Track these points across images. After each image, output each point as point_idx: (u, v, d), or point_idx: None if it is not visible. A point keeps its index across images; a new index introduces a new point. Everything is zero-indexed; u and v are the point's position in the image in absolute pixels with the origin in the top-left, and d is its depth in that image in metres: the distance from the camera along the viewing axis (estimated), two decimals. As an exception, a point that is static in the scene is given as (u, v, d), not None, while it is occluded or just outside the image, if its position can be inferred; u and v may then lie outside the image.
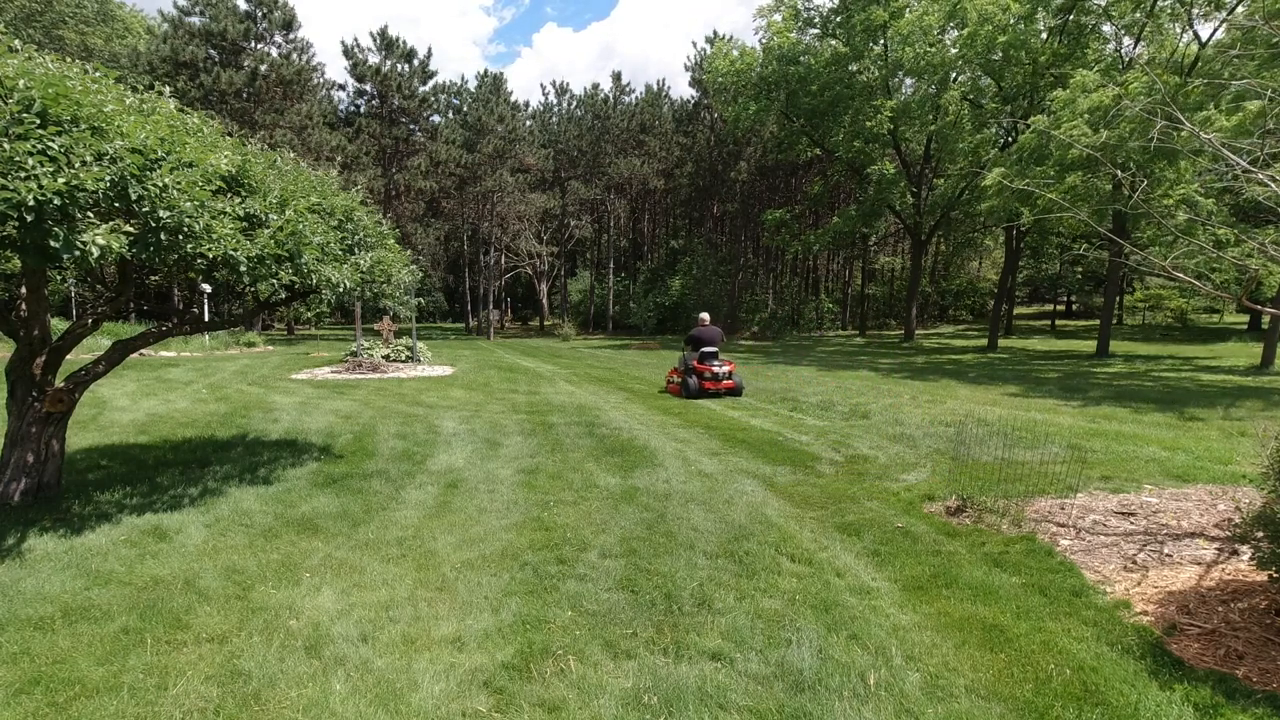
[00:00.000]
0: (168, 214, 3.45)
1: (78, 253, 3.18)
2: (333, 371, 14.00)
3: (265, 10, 29.72)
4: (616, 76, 51.06)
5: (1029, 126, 18.08)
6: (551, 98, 45.92)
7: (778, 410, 9.24)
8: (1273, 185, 3.23)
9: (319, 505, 4.68)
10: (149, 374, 12.32)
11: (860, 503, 4.91)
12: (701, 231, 43.68)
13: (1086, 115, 14.86)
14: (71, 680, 2.51)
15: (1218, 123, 13.68)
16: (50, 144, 3.19)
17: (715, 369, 10.47)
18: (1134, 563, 3.73)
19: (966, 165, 25.40)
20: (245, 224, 4.01)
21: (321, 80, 34.03)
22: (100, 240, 3.21)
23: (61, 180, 3.06)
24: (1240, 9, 17.57)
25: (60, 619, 2.98)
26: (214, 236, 3.66)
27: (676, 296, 41.07)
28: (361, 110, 36.20)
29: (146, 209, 3.45)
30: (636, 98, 42.05)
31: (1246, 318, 33.03)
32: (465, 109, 37.49)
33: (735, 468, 5.98)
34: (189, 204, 3.55)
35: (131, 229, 3.37)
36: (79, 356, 11.42)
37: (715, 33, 44.81)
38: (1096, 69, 19.36)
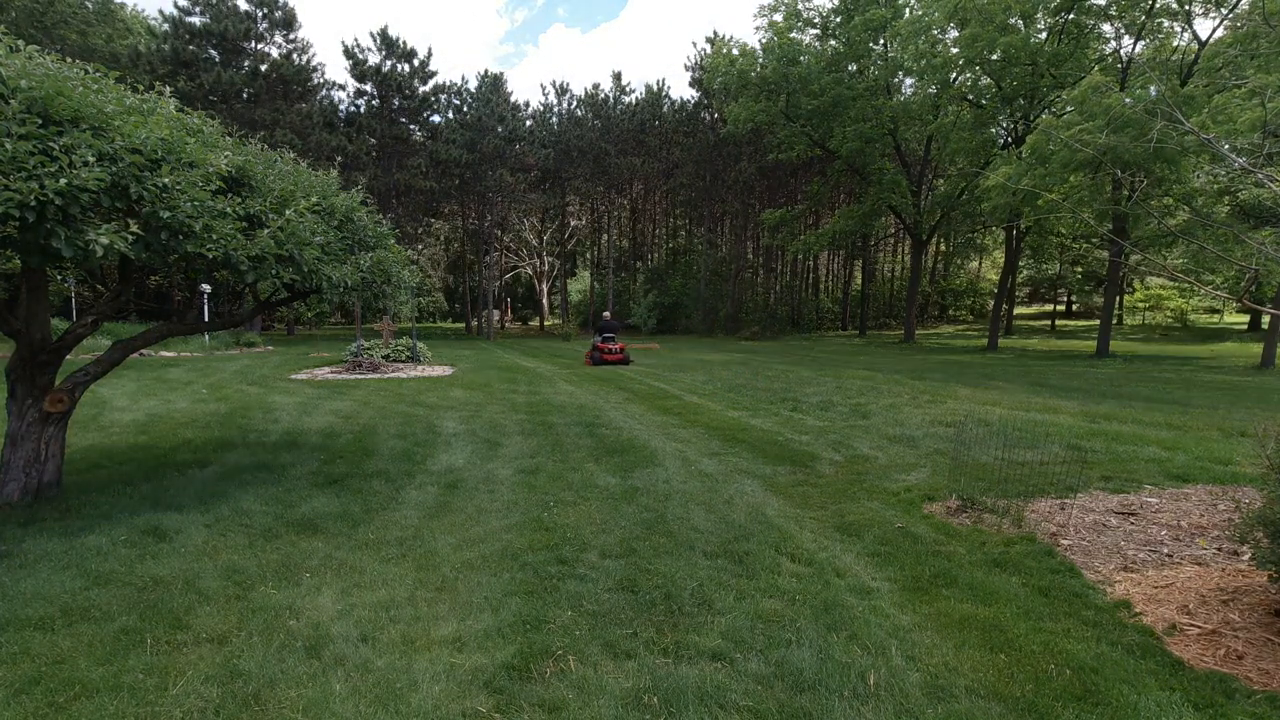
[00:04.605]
0: (168, 214, 3.45)
1: (80, 253, 3.18)
2: (333, 371, 14.01)
3: (265, 10, 29.73)
4: (617, 76, 51.16)
5: (1033, 127, 18.10)
6: (552, 98, 45.94)
7: (778, 410, 9.24)
8: (1272, 185, 3.23)
9: (319, 505, 4.68)
10: (149, 374, 12.33)
11: (860, 503, 4.91)
12: (701, 231, 43.69)
13: (1099, 119, 14.85)
14: (71, 680, 2.51)
15: (1229, 109, 13.64)
16: (52, 144, 3.20)
17: (610, 346, 16.97)
18: (1134, 563, 3.73)
19: (967, 165, 25.42)
20: (245, 224, 4.01)
21: (322, 80, 34.05)
22: (104, 240, 3.21)
23: (63, 181, 3.06)
24: (1242, 5, 17.58)
25: (60, 619, 2.98)
26: (214, 237, 3.66)
27: (676, 296, 41.07)
28: (362, 110, 36.17)
29: (147, 209, 3.45)
30: (637, 98, 42.05)
31: (1246, 318, 33.06)
32: (466, 109, 37.47)
33: (735, 468, 5.98)
34: (189, 204, 3.55)
35: (136, 229, 3.38)
36: (79, 356, 11.43)
37: (715, 33, 44.81)
38: (1097, 69, 19.36)
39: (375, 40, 35.67)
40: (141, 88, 4.36)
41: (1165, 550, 3.89)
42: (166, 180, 3.51)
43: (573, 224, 49.52)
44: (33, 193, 2.99)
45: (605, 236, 47.23)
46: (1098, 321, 25.69)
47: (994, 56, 22.12)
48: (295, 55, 30.98)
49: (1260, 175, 3.30)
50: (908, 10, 26.89)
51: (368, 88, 36.04)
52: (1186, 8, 19.02)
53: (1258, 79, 11.90)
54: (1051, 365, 18.10)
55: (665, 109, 41.96)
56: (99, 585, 3.33)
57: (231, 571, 3.54)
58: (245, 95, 29.20)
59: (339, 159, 31.93)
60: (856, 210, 30.35)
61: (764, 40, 30.81)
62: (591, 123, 40.96)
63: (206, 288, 15.19)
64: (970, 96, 26.17)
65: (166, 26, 29.29)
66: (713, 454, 6.53)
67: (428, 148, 36.20)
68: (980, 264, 51.62)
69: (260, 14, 29.75)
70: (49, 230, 3.12)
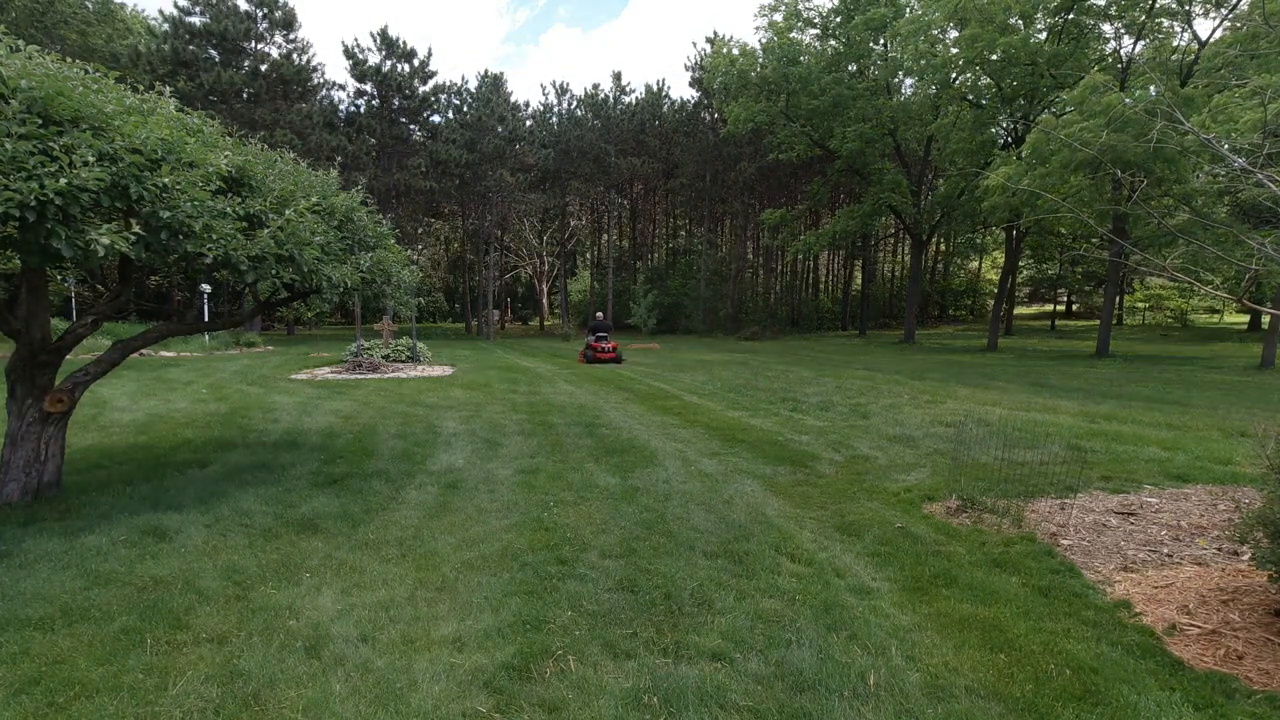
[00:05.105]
0: (168, 214, 3.45)
1: (80, 253, 3.18)
2: (333, 371, 14.01)
3: (265, 10, 29.73)
4: (617, 76, 51.12)
5: (1032, 127, 18.09)
6: (552, 98, 45.95)
7: (778, 410, 9.24)
8: (1271, 185, 3.23)
9: (319, 505, 4.68)
10: (149, 374, 12.33)
11: (860, 503, 4.91)
12: (701, 231, 43.70)
13: (1099, 118, 14.84)
14: (71, 680, 2.51)
15: (1229, 109, 13.65)
16: (52, 144, 3.20)
17: (603, 345, 17.62)
18: (1134, 563, 3.73)
19: (967, 165, 25.43)
20: (245, 224, 4.01)
21: (322, 80, 34.05)
22: (104, 240, 3.21)
23: (64, 180, 3.06)
24: (1242, 5, 17.59)
25: (60, 619, 2.98)
26: (214, 237, 3.66)
27: (676, 296, 41.07)
28: (362, 110, 36.18)
29: (147, 209, 3.45)
30: (637, 98, 42.05)
31: (1246, 318, 33.08)
32: (466, 109, 37.47)
33: (735, 468, 5.98)
34: (189, 204, 3.55)
35: (138, 230, 3.38)
36: (79, 356, 11.43)
37: (715, 33, 44.80)
38: (1097, 69, 19.37)
39: (375, 40, 35.68)
40: (141, 88, 4.36)
41: (1165, 550, 3.89)
42: (166, 180, 3.51)
43: (573, 224, 49.51)
44: (33, 193, 2.99)
45: (605, 236, 47.23)
46: (1098, 321, 25.70)
47: (994, 57, 22.11)
48: (295, 55, 30.97)
49: (1260, 175, 3.30)
50: (908, 10, 26.88)
51: (368, 88, 36.04)
52: (1186, 8, 19.03)
53: (1260, 79, 11.91)
54: (1051, 365, 18.10)
55: (665, 109, 41.95)
56: (99, 585, 3.33)
57: (231, 571, 3.54)
58: (245, 95, 29.18)
59: (339, 159, 31.92)
60: (857, 210, 30.33)
61: (764, 40, 30.82)
62: (591, 123, 40.95)
63: (206, 288, 15.22)
64: (970, 97, 26.16)
65: (166, 26, 29.27)
66: (713, 454, 6.53)
67: (428, 148, 36.20)
68: (980, 264, 51.63)
69: (260, 14, 29.73)
70: (49, 230, 3.12)
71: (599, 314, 19.93)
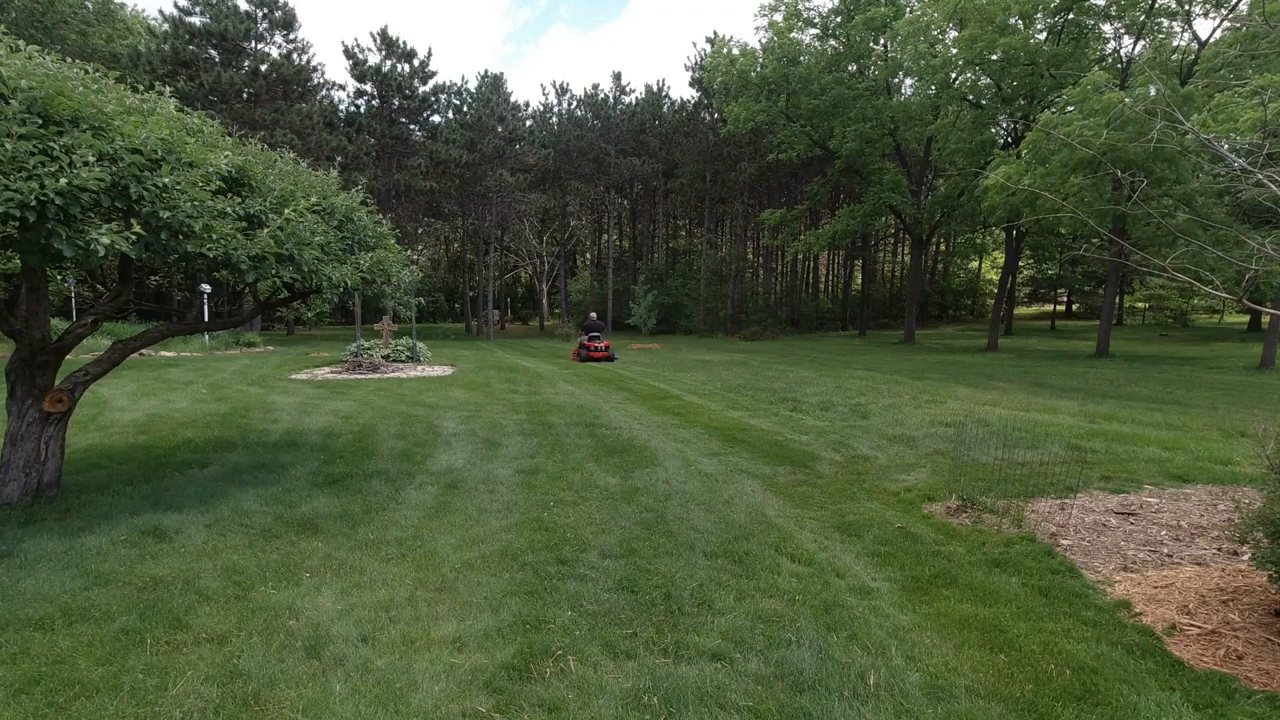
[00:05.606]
0: (168, 214, 3.46)
1: (81, 253, 3.18)
2: (333, 371, 14.00)
3: (265, 10, 29.72)
4: (617, 76, 51.06)
5: (1032, 127, 18.08)
6: (551, 98, 45.94)
7: (778, 410, 9.24)
8: (1271, 185, 3.22)
9: (319, 505, 4.68)
10: (149, 374, 12.33)
11: (860, 503, 4.91)
12: (702, 231, 43.68)
13: (1099, 116, 14.83)
14: (71, 680, 2.51)
15: (1229, 108, 13.66)
16: (52, 144, 3.20)
17: (596, 344, 18.26)
18: (1134, 563, 3.73)
19: (966, 165, 25.40)
20: (245, 224, 4.01)
21: (322, 80, 34.03)
22: (105, 240, 3.21)
23: (64, 180, 3.06)
24: (1242, 6, 17.59)
25: (60, 619, 2.98)
26: (214, 237, 3.66)
27: (676, 296, 41.07)
28: (362, 110, 36.15)
29: (147, 209, 3.46)
30: (637, 98, 42.04)
31: (1246, 318, 33.09)
32: (466, 109, 37.44)
33: (735, 468, 5.98)
34: (189, 204, 3.55)
35: (138, 230, 3.38)
36: (79, 356, 11.43)
37: (715, 33, 44.78)
38: (1098, 69, 19.36)
39: (375, 40, 35.66)
40: (141, 88, 4.36)
41: (1165, 550, 3.89)
42: (166, 180, 3.52)
43: (572, 224, 49.50)
44: (33, 192, 2.99)
45: (605, 236, 47.22)
46: (1098, 321, 25.70)
47: (994, 57, 22.07)
48: (295, 55, 30.94)
49: (1260, 175, 3.30)
50: (908, 10, 26.86)
51: (368, 88, 36.00)
52: (1186, 8, 19.03)
53: (1261, 79, 11.92)
54: (1051, 365, 18.10)
55: (665, 109, 41.91)
56: (99, 585, 3.33)
57: (231, 571, 3.54)
58: (245, 95, 29.17)
59: (339, 159, 31.89)
60: (857, 210, 30.30)
61: (764, 40, 30.81)
62: (591, 123, 40.92)
63: (206, 288, 15.21)
64: (970, 97, 26.14)
65: (166, 26, 29.25)
66: (712, 454, 6.53)
67: (428, 148, 36.14)
68: (980, 264, 51.61)
69: (260, 14, 29.72)
70: (49, 230, 3.12)
71: (592, 314, 21.06)
